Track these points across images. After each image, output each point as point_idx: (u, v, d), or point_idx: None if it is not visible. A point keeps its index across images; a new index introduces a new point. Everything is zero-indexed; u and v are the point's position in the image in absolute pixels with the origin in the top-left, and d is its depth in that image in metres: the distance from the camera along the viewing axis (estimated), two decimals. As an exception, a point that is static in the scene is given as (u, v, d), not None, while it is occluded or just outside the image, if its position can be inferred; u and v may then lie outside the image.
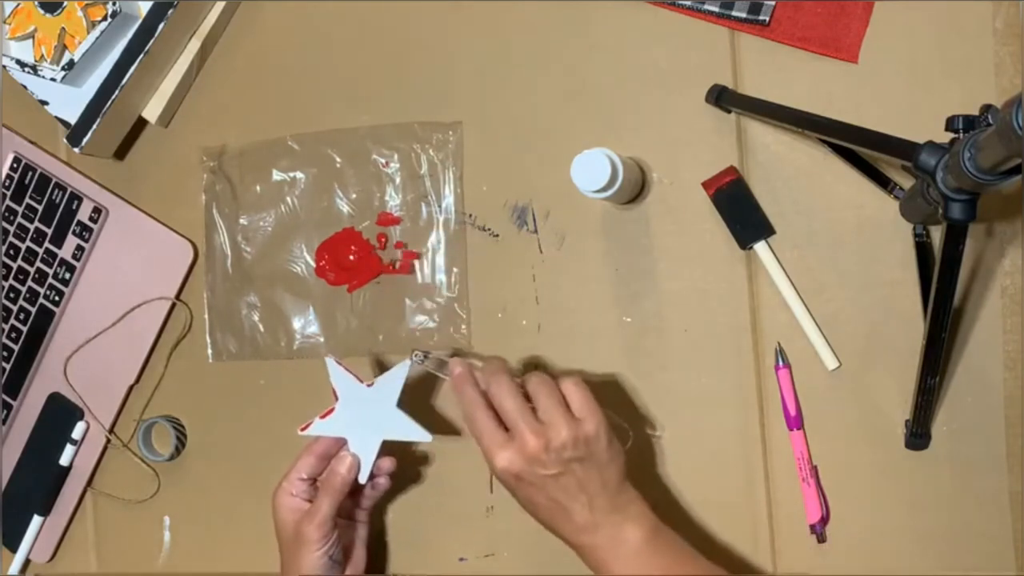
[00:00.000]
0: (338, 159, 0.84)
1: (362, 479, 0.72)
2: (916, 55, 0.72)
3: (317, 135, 0.85)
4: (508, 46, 0.80)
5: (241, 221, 0.87)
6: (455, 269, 0.81)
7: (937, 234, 0.70)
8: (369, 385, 0.73)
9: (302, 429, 0.73)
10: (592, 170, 0.68)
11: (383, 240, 0.83)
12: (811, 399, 0.74)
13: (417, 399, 0.80)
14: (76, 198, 0.89)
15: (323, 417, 0.73)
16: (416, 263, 0.82)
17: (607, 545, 0.64)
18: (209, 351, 0.87)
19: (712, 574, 0.65)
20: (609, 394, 0.77)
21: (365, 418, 0.72)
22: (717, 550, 0.75)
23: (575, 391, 0.66)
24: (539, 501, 0.65)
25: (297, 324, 0.85)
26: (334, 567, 0.72)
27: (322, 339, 0.84)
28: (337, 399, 0.73)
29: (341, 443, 0.74)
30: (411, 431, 0.72)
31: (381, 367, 0.82)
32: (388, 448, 0.73)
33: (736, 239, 0.75)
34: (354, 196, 0.84)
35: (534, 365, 0.79)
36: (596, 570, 0.65)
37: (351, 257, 0.83)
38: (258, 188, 0.86)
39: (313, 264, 0.85)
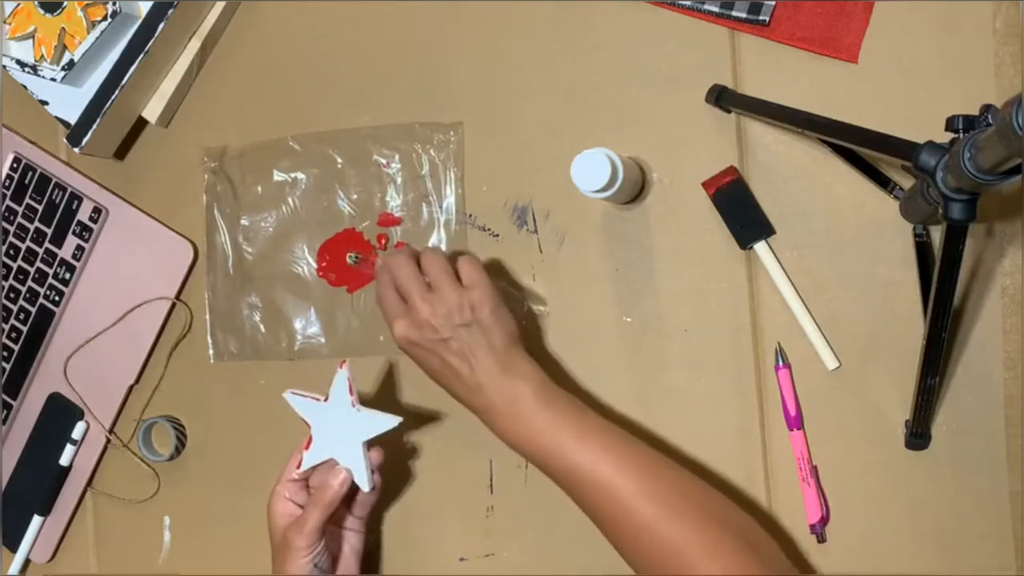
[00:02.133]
0: (339, 159, 0.84)
1: (364, 487, 0.72)
2: (916, 55, 0.72)
3: (318, 135, 0.85)
4: (508, 46, 0.80)
5: (242, 222, 0.87)
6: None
7: (937, 234, 0.70)
8: (326, 400, 0.73)
9: (297, 466, 0.74)
10: (592, 170, 0.68)
11: (384, 241, 0.83)
12: (811, 399, 0.74)
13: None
14: (76, 198, 0.89)
15: (307, 448, 0.73)
16: (417, 263, 0.82)
17: (499, 403, 0.68)
18: (210, 351, 0.87)
19: (599, 423, 0.68)
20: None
21: (338, 432, 0.72)
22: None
23: (465, 263, 0.71)
24: (434, 365, 0.70)
25: (298, 325, 0.85)
26: (319, 575, 0.72)
27: (323, 340, 0.84)
28: (310, 427, 0.74)
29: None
30: (380, 423, 0.72)
31: (392, 363, 0.82)
32: (385, 448, 0.73)
33: (736, 239, 0.75)
34: (355, 197, 0.84)
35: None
36: (492, 428, 0.69)
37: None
38: (259, 189, 0.86)
39: (314, 265, 0.85)
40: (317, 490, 0.72)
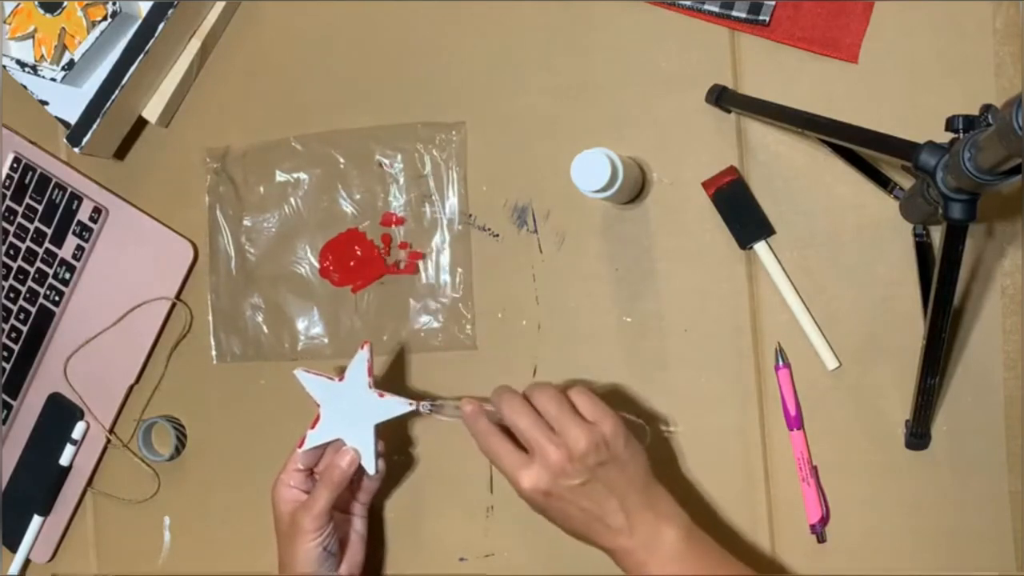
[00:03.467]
0: (341, 160, 0.84)
1: (371, 470, 0.73)
2: (916, 55, 0.72)
3: (320, 136, 0.85)
4: (509, 46, 0.80)
5: (245, 222, 0.87)
6: (459, 269, 0.81)
7: (937, 234, 0.70)
8: (341, 380, 0.74)
9: (299, 446, 0.74)
10: (592, 170, 0.68)
11: (387, 241, 0.83)
12: (811, 399, 0.74)
13: (393, 378, 0.80)
14: (76, 198, 0.89)
15: (313, 427, 0.74)
16: (420, 263, 0.82)
17: (644, 546, 0.63)
18: (213, 352, 0.87)
19: (744, 574, 0.65)
20: (616, 396, 0.77)
21: (350, 412, 0.73)
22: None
23: (581, 396, 0.66)
24: (572, 513, 0.64)
25: (301, 325, 0.85)
26: (328, 559, 0.72)
27: (326, 340, 0.84)
28: (319, 405, 0.74)
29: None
30: (394, 407, 0.72)
31: (395, 363, 0.82)
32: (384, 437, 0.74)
33: (736, 239, 0.75)
34: (358, 197, 0.84)
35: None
36: (632, 572, 0.64)
37: (356, 253, 0.83)
38: (261, 189, 0.86)
39: (317, 265, 0.85)
40: (325, 471, 0.73)
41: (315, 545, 0.71)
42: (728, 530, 0.75)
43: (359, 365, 0.73)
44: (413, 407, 0.72)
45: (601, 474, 0.63)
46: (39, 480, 0.90)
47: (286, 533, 0.73)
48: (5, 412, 0.92)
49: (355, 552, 0.76)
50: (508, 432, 0.66)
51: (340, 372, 0.74)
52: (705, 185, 0.75)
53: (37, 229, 0.90)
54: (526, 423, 0.64)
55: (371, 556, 0.80)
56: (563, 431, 0.63)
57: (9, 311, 0.91)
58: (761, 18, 0.73)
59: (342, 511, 0.77)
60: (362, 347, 0.73)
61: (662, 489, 0.66)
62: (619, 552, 0.64)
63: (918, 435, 0.70)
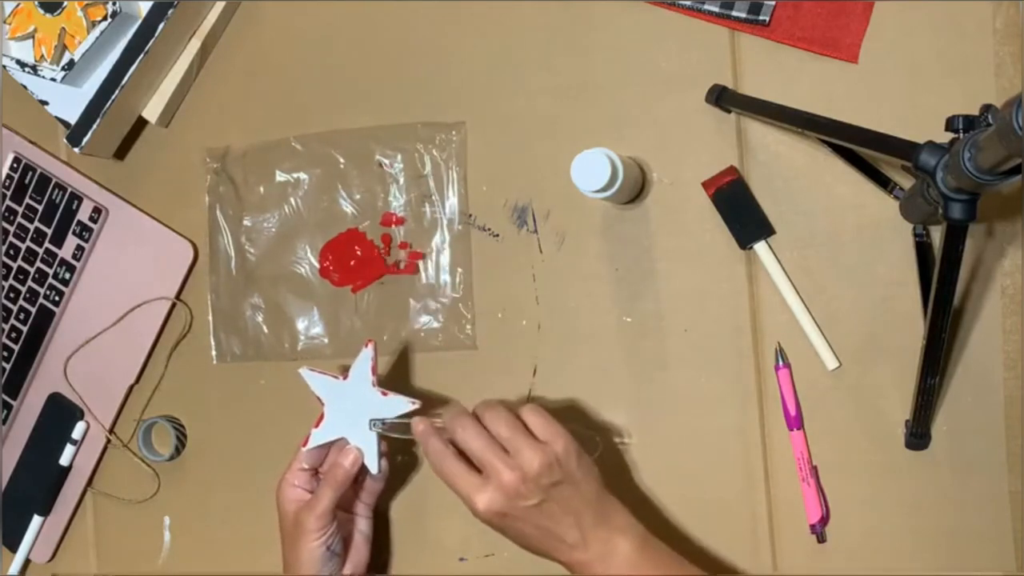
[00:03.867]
0: (341, 160, 0.84)
1: (373, 469, 0.73)
2: (916, 55, 0.72)
3: (320, 136, 0.85)
4: (509, 46, 0.80)
5: (245, 222, 0.87)
6: (459, 269, 0.81)
7: (937, 234, 0.70)
8: (345, 379, 0.74)
9: (303, 445, 0.74)
10: (592, 170, 0.68)
11: (387, 241, 0.83)
12: (811, 399, 0.74)
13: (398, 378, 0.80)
14: (76, 198, 0.89)
15: (317, 425, 0.74)
16: (420, 263, 0.82)
17: (600, 559, 0.65)
18: (213, 352, 0.87)
19: (698, 574, 0.66)
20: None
21: (354, 411, 0.73)
22: (717, 550, 0.75)
23: (533, 416, 0.66)
24: (529, 532, 0.65)
25: (301, 325, 0.85)
26: (332, 558, 0.73)
27: (326, 340, 0.84)
28: (323, 404, 0.74)
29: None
30: (398, 406, 0.72)
31: (395, 364, 0.82)
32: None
33: (736, 239, 0.75)
34: (358, 197, 0.84)
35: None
36: None
37: (356, 253, 0.83)
38: (261, 189, 0.86)
39: (317, 265, 0.85)
40: (328, 471, 0.73)
41: (318, 544, 0.71)
42: (728, 530, 0.75)
43: (363, 364, 0.73)
44: (417, 406, 0.72)
45: (555, 493, 0.64)
46: (39, 480, 0.90)
47: (290, 533, 0.73)
48: (5, 412, 0.92)
49: (359, 552, 0.76)
50: (462, 451, 0.67)
51: (344, 371, 0.74)
52: (705, 185, 0.75)
53: (37, 229, 0.90)
54: (479, 445, 0.65)
55: (376, 557, 0.80)
56: (516, 452, 0.64)
57: (9, 311, 0.91)
58: (761, 18, 0.73)
59: (346, 511, 0.77)
60: (366, 345, 0.73)
61: (615, 501, 0.67)
62: (576, 566, 0.66)
63: (918, 435, 0.70)
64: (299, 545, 0.71)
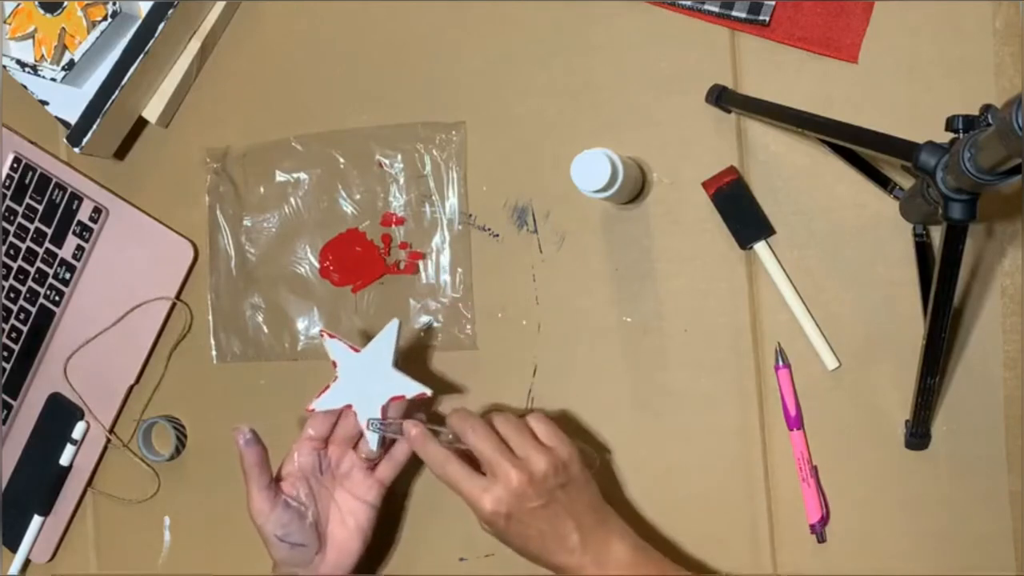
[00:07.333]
0: (341, 160, 0.84)
1: (372, 444, 0.73)
2: (916, 55, 0.72)
3: (320, 136, 0.85)
4: (509, 46, 0.80)
5: (245, 222, 0.87)
6: (459, 269, 0.81)
7: (937, 234, 0.70)
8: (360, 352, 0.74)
9: (308, 409, 0.74)
10: (592, 170, 0.68)
11: (387, 241, 0.83)
12: (811, 399, 0.74)
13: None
14: (76, 198, 0.89)
15: (323, 393, 0.74)
16: (420, 263, 0.82)
17: (595, 561, 0.66)
18: (213, 352, 0.87)
19: None
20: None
21: (365, 384, 0.73)
22: (717, 550, 0.75)
23: (539, 423, 0.69)
24: (530, 535, 0.66)
25: (301, 325, 0.85)
26: (296, 520, 0.72)
27: (325, 339, 0.84)
28: (336, 370, 0.74)
29: (334, 426, 0.75)
30: (410, 388, 0.72)
31: (402, 357, 0.82)
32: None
33: (736, 239, 0.75)
34: (358, 197, 0.84)
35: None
36: None
37: (356, 253, 0.83)
38: (262, 189, 0.86)
39: (317, 265, 0.85)
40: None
41: (268, 536, 0.71)
42: (728, 530, 0.75)
43: (388, 337, 0.73)
44: (428, 394, 0.72)
45: (560, 496, 0.66)
46: (39, 480, 0.90)
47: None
48: (5, 412, 0.92)
49: (349, 539, 0.74)
50: (460, 454, 0.68)
51: (365, 344, 0.74)
52: (705, 185, 0.75)
53: (37, 229, 0.90)
54: (489, 446, 0.67)
55: (376, 556, 0.80)
56: (524, 455, 0.66)
57: (9, 311, 0.91)
58: (761, 18, 0.73)
59: (352, 495, 0.75)
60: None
61: (611, 510, 0.69)
62: (569, 569, 0.67)
63: (918, 435, 0.70)
64: (262, 491, 0.72)
